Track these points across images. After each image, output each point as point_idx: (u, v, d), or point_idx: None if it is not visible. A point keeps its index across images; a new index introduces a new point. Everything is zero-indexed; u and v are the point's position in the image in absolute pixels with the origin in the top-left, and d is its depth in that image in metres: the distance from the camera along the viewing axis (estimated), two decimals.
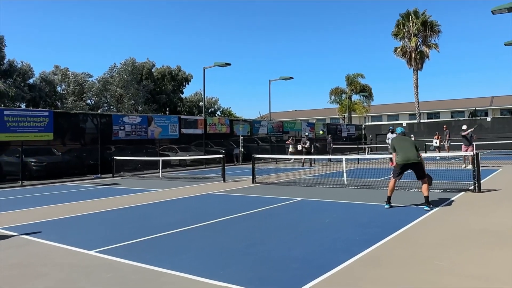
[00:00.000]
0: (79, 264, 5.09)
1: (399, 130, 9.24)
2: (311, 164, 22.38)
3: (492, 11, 14.89)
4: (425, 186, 8.29)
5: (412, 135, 33.24)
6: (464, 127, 18.10)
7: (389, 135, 19.32)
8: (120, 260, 5.16)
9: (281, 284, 4.16)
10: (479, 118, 42.84)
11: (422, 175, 8.42)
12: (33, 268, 5.01)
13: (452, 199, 9.30)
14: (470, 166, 15.73)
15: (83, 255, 5.51)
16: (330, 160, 22.03)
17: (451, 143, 25.90)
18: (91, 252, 5.59)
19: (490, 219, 7.04)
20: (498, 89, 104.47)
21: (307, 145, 22.19)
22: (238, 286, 4.11)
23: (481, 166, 16.54)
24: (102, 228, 7.33)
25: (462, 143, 17.89)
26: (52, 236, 6.64)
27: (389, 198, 8.48)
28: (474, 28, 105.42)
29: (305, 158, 22.02)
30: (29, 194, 12.94)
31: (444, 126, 26.78)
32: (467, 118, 44.73)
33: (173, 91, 46.01)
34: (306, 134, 25.73)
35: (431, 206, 8.15)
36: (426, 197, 8.20)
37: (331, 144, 26.72)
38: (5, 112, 16.28)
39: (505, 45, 19.34)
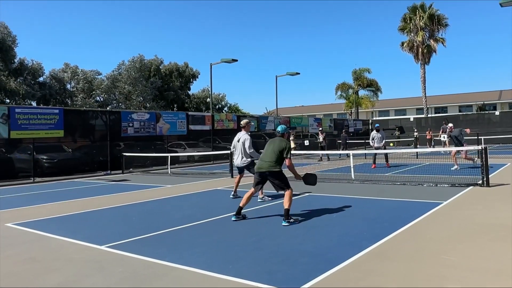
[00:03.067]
0: (90, 259, 5.18)
1: (279, 128, 7.55)
2: (328, 159, 22.74)
3: (500, 4, 14.76)
4: (286, 197, 6.91)
5: (415, 129, 33.14)
6: (450, 125, 16.02)
7: (373, 134, 17.30)
8: (131, 255, 5.24)
9: (290, 278, 4.20)
10: (487, 112, 42.47)
11: (280, 186, 7.04)
12: (46, 263, 5.11)
13: (461, 193, 9.28)
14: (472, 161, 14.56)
15: (95, 250, 5.60)
16: (340, 155, 22.46)
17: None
18: (103, 247, 5.68)
19: (499, 213, 7.02)
20: (507, 83, 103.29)
21: (324, 141, 23.49)
22: (246, 281, 4.17)
23: None
24: (112, 224, 7.43)
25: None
26: (64, 231, 6.75)
27: (240, 208, 7.25)
28: (482, 21, 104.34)
29: (322, 154, 22.50)
30: (41, 191, 13.12)
31: (444, 122, 26.67)
32: (475, 112, 44.38)
33: (180, 88, 46.15)
34: (320, 129, 26.59)
35: (291, 220, 6.83)
36: (286, 210, 6.82)
37: (346, 140, 26.43)
38: (16, 110, 16.49)
39: None
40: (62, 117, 17.77)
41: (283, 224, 6.74)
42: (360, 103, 49.50)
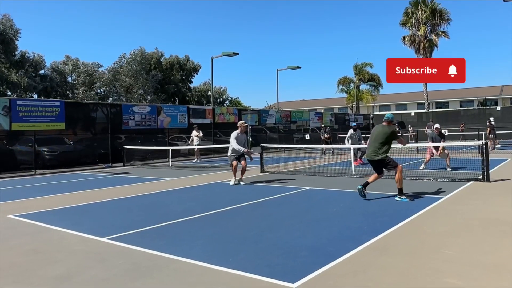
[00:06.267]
0: (92, 250, 5.22)
1: (389, 115, 8.51)
2: (333, 153, 22.77)
3: None
4: (397, 175, 7.97)
5: (409, 126, 33.14)
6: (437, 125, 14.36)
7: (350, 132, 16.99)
8: (131, 247, 5.27)
9: (290, 271, 4.23)
10: (488, 107, 42.38)
11: (388, 168, 8.11)
12: (47, 254, 5.14)
13: (461, 188, 9.30)
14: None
15: (96, 242, 5.63)
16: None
17: (450, 133, 26.73)
18: (104, 239, 5.71)
19: (499, 208, 7.04)
20: (508, 78, 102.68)
21: (328, 135, 23.50)
22: (246, 273, 4.20)
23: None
24: (113, 216, 7.47)
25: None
26: (65, 223, 6.77)
27: (367, 183, 8.32)
28: (484, 16, 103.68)
29: (326, 148, 22.49)
30: (43, 183, 13.16)
31: (431, 120, 27.45)
32: (476, 108, 44.29)
33: (181, 81, 46.05)
34: (323, 125, 26.73)
35: (403, 197, 7.99)
36: (399, 189, 8.06)
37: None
38: (18, 102, 16.50)
39: None
40: (63, 109, 17.78)
41: (395, 199, 7.98)
42: (361, 97, 49.40)
